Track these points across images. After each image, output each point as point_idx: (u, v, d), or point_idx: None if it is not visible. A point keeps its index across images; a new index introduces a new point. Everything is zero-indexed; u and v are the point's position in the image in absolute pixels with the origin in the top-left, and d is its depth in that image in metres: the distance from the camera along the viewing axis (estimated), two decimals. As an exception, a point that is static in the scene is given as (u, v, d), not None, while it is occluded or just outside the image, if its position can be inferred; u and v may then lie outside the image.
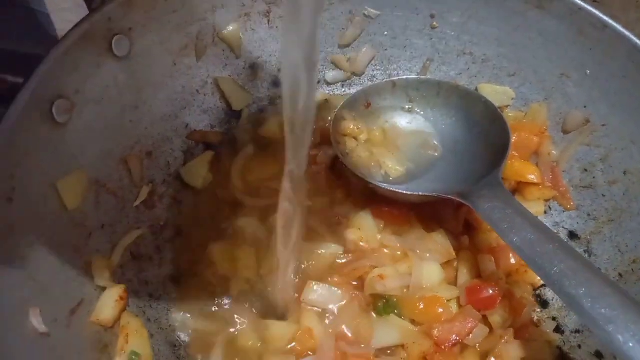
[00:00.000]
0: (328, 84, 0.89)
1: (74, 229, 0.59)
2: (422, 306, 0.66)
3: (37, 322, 0.47)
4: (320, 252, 0.70)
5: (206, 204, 0.73)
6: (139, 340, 0.58)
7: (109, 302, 0.58)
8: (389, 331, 0.64)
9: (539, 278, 0.70)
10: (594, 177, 0.76)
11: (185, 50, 0.75)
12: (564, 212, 0.78)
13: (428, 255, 0.70)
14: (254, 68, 0.83)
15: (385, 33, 0.86)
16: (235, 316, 0.66)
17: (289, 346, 0.63)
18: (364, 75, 0.89)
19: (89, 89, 0.62)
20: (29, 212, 0.53)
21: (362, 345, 0.62)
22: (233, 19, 0.78)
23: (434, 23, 0.85)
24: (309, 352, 0.62)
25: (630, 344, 0.48)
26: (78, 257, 0.58)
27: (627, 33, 0.70)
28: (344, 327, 0.64)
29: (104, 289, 0.59)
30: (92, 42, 0.61)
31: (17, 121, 0.53)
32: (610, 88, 0.73)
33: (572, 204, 0.78)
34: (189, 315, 0.65)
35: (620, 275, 0.69)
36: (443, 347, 0.61)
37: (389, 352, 0.63)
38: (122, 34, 0.64)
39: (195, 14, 0.73)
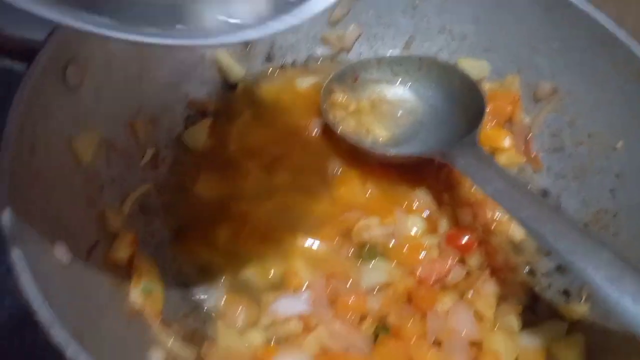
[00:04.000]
0: (318, 59, 0.95)
1: (88, 182, 0.64)
2: (405, 251, 0.72)
3: (60, 253, 0.53)
4: (311, 206, 0.76)
5: (207, 165, 0.79)
6: (151, 278, 0.64)
7: (121, 245, 0.63)
8: (375, 272, 0.70)
9: (514, 231, 0.78)
10: (562, 140, 0.84)
11: (186, 25, 0.80)
12: (534, 173, 0.86)
13: (412, 208, 0.77)
14: (248, 43, 0.89)
15: (371, 12, 0.93)
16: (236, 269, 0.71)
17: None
18: (351, 51, 0.96)
19: (97, 57, 0.67)
20: (50, 164, 0.58)
21: (352, 284, 0.68)
22: (230, -4, 0.84)
23: (416, 2, 0.92)
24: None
25: (589, 270, 0.55)
26: (92, 206, 0.64)
27: (587, 9, 0.77)
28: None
29: (116, 234, 0.65)
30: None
31: (36, 82, 0.58)
32: (575, 60, 0.81)
33: (541, 166, 0.86)
34: (192, 263, 0.71)
35: (585, 224, 0.77)
36: (425, 284, 0.68)
37: (375, 291, 0.69)
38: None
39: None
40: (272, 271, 0.71)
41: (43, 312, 0.44)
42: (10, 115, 0.55)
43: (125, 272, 0.63)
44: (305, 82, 0.91)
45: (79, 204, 0.62)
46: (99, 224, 0.64)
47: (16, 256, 0.46)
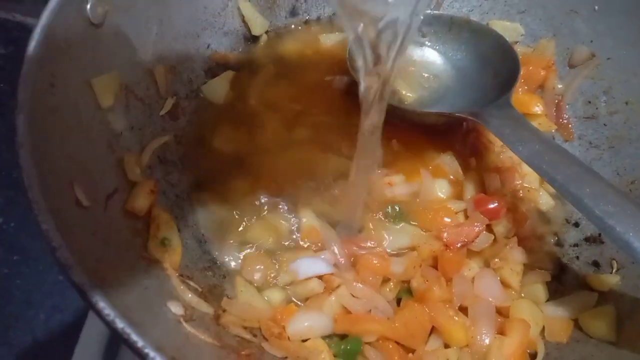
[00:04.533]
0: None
1: (106, 126, 0.62)
2: (431, 216, 0.70)
3: (80, 195, 0.50)
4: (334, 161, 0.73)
5: (226, 118, 0.76)
6: (169, 230, 0.62)
7: (140, 194, 0.61)
8: (400, 235, 0.68)
9: (542, 199, 0.76)
10: (596, 108, 0.80)
11: (209, -29, 0.77)
12: (565, 142, 0.82)
13: (438, 171, 0.74)
14: (273, -4, 0.86)
15: (401, -33, 0.89)
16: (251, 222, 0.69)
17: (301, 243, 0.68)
18: (379, 9, 0.92)
19: (120, -5, 0.64)
20: (69, 101, 0.56)
21: (374, 244, 0.66)
22: (256, -57, 0.80)
23: (449, -41, 0.87)
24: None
25: (630, 234, 0.53)
26: (111, 152, 0.61)
27: (634, -32, 0.73)
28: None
29: (135, 183, 0.63)
30: (124, -51, 0.63)
31: (55, 16, 0.55)
32: (617, 23, 0.77)
33: (572, 135, 0.82)
34: (211, 217, 0.69)
35: (618, 196, 0.74)
36: (452, 248, 0.65)
37: (400, 254, 0.67)
38: (152, -54, 0.66)
39: None
40: (289, 226, 0.70)
41: (63, 251, 0.42)
42: (30, 45, 0.52)
43: (144, 222, 0.61)
44: (330, 39, 0.88)
45: (98, 147, 0.59)
46: (118, 170, 0.61)
47: (35, 193, 0.43)
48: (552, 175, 0.60)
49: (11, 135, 0.47)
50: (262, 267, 0.66)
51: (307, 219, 0.70)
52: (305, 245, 0.69)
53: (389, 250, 0.67)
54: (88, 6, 0.59)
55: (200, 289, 0.59)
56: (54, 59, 0.54)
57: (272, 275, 0.66)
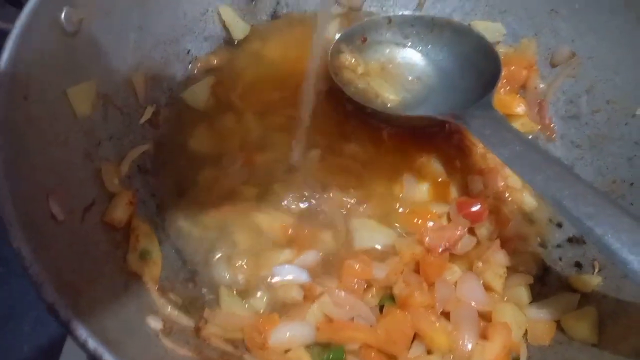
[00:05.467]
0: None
1: (84, 136, 0.61)
2: (415, 219, 0.70)
3: (56, 209, 0.50)
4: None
5: (207, 123, 0.76)
6: (149, 242, 0.61)
7: (119, 205, 0.61)
8: (378, 235, 0.69)
9: (525, 200, 0.76)
10: (578, 108, 0.80)
11: (188, -24, 0.76)
12: (547, 141, 0.82)
13: (421, 173, 0.74)
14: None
15: (383, -32, 0.89)
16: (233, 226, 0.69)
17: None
18: (360, 11, 0.91)
19: (96, 1, 0.63)
20: (44, 112, 0.55)
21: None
22: (235, -52, 0.79)
23: (430, -41, 0.87)
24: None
25: (609, 235, 0.53)
26: (89, 161, 0.61)
27: (614, -34, 0.73)
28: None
29: (114, 194, 0.62)
30: (100, -46, 0.62)
31: (28, 24, 0.54)
32: (597, 21, 0.77)
33: (555, 135, 0.82)
34: (192, 225, 0.68)
35: (600, 195, 0.74)
36: (433, 252, 0.65)
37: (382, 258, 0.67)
38: (128, -49, 0.66)
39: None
40: (269, 230, 0.69)
41: (34, 268, 0.41)
42: (2, 56, 0.51)
43: (123, 233, 0.60)
44: (312, 41, 0.87)
45: (75, 158, 0.58)
46: (96, 181, 0.61)
47: (8, 209, 0.43)
48: (532, 177, 0.60)
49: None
50: (245, 267, 0.66)
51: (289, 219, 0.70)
52: (288, 247, 0.69)
53: (359, 248, 0.68)
54: (62, 15, 0.58)
55: (180, 302, 0.59)
56: (28, 70, 0.53)
57: (255, 278, 0.66)
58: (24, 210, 0.45)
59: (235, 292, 0.64)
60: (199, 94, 0.77)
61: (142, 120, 0.71)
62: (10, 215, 0.43)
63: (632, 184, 0.71)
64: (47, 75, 0.56)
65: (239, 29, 0.84)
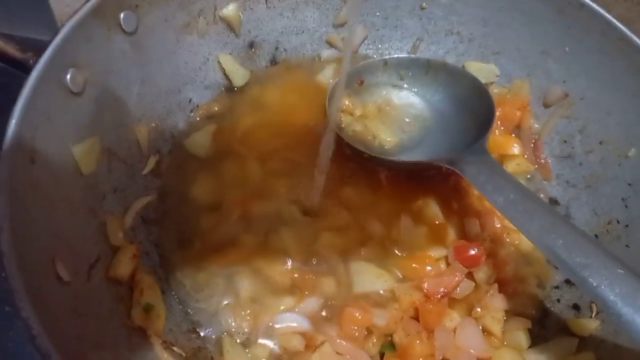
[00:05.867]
0: (323, 62, 0.93)
1: (89, 192, 0.63)
2: (413, 264, 0.71)
3: (62, 271, 0.51)
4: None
5: (210, 171, 0.77)
6: (153, 294, 0.63)
7: (123, 260, 0.62)
8: (377, 280, 0.70)
9: (522, 241, 0.77)
10: (572, 147, 0.82)
11: (188, 28, 0.78)
12: (544, 181, 0.84)
13: (419, 216, 0.75)
14: (252, 46, 0.88)
15: (377, 14, 0.91)
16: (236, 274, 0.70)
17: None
18: (357, 54, 0.94)
19: (100, 61, 0.65)
20: (50, 173, 0.57)
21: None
22: (232, -2, 0.82)
23: (423, 4, 0.89)
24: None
25: (603, 287, 0.53)
26: (93, 217, 0.62)
27: (602, 11, 0.75)
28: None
29: (118, 248, 0.63)
30: (102, 16, 0.65)
31: (36, 86, 0.56)
32: (588, 63, 0.79)
33: (550, 175, 0.84)
34: (195, 273, 0.70)
35: (596, 236, 0.75)
36: (432, 299, 0.66)
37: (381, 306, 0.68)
38: (129, 10, 0.68)
39: (197, -7, 0.77)
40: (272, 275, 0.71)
41: (42, 339, 0.43)
42: (10, 122, 0.53)
43: (127, 287, 0.62)
44: (311, 85, 0.89)
45: (80, 215, 0.60)
46: (100, 236, 0.62)
47: (16, 279, 0.44)
48: (526, 226, 0.61)
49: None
50: (249, 317, 0.67)
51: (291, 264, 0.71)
52: (289, 293, 0.70)
53: (357, 293, 0.69)
54: (68, 76, 0.60)
55: (184, 354, 0.60)
56: (34, 134, 0.55)
57: (257, 326, 0.67)
58: (31, 277, 0.46)
59: (238, 342, 0.65)
60: (200, 142, 0.79)
61: (145, 170, 0.73)
62: (18, 285, 0.44)
63: (627, 225, 0.72)
64: (54, 136, 0.58)
65: (239, 76, 0.86)
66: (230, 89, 0.86)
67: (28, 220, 0.51)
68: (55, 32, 0.60)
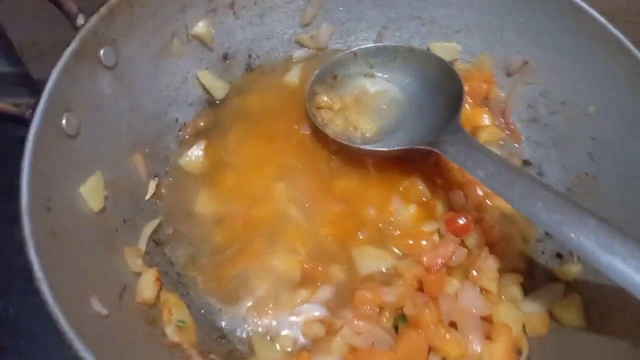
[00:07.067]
0: (296, 62, 0.96)
1: (102, 228, 0.66)
2: (410, 241, 0.77)
3: (98, 306, 0.56)
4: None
5: (207, 185, 0.82)
6: (180, 311, 0.67)
7: (147, 284, 0.66)
8: (379, 260, 0.77)
9: (504, 204, 0.84)
10: (537, 111, 0.89)
11: (164, 51, 0.81)
12: (515, 145, 0.91)
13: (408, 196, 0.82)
14: (227, 57, 0.91)
15: (341, 8, 0.95)
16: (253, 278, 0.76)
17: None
18: (327, 50, 0.97)
19: (89, 100, 0.68)
20: (65, 218, 0.60)
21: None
22: (201, 15, 0.84)
23: (383, -8, 0.93)
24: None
25: (581, 238, 0.60)
26: (111, 252, 0.66)
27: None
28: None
29: (140, 274, 0.68)
30: (83, 57, 0.66)
31: (37, 138, 0.59)
32: (542, 31, 0.84)
33: (520, 138, 0.91)
34: (213, 282, 0.75)
35: (568, 189, 0.83)
36: (432, 270, 0.73)
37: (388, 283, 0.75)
38: (107, 46, 0.70)
39: (168, 16, 0.79)
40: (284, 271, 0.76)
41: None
42: (22, 179, 0.56)
43: (155, 311, 0.66)
44: (289, 85, 0.93)
45: (101, 253, 0.64)
46: (122, 267, 0.66)
47: (66, 326, 0.48)
48: (507, 195, 0.67)
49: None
50: (271, 312, 0.73)
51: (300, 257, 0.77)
52: (302, 286, 0.76)
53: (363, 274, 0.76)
54: (63, 121, 0.63)
55: (220, 357, 0.65)
56: (45, 182, 0.58)
57: (279, 320, 0.73)
58: (76, 320, 0.50)
59: (266, 338, 0.71)
60: (193, 160, 0.83)
61: (148, 196, 0.77)
62: (69, 330, 0.48)
63: (595, 177, 0.79)
64: (61, 181, 0.61)
65: (219, 88, 0.89)
66: (212, 102, 0.89)
67: (56, 267, 0.55)
68: (42, 85, 0.61)
